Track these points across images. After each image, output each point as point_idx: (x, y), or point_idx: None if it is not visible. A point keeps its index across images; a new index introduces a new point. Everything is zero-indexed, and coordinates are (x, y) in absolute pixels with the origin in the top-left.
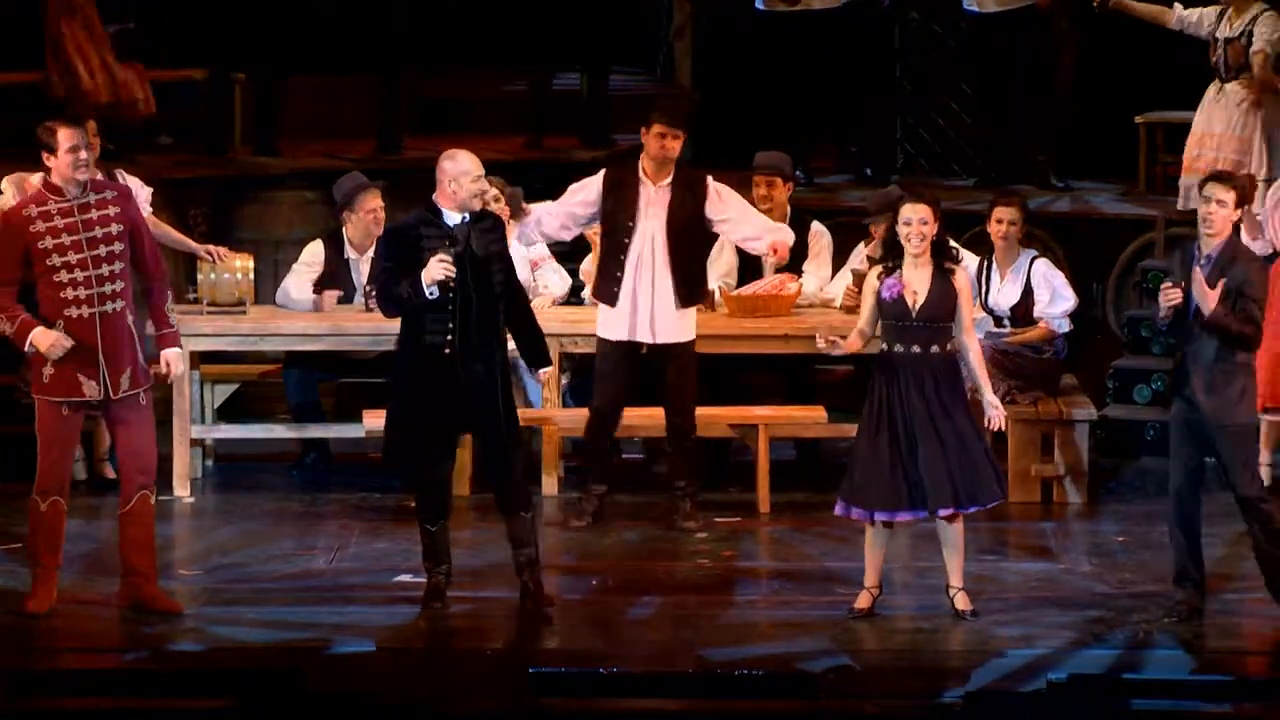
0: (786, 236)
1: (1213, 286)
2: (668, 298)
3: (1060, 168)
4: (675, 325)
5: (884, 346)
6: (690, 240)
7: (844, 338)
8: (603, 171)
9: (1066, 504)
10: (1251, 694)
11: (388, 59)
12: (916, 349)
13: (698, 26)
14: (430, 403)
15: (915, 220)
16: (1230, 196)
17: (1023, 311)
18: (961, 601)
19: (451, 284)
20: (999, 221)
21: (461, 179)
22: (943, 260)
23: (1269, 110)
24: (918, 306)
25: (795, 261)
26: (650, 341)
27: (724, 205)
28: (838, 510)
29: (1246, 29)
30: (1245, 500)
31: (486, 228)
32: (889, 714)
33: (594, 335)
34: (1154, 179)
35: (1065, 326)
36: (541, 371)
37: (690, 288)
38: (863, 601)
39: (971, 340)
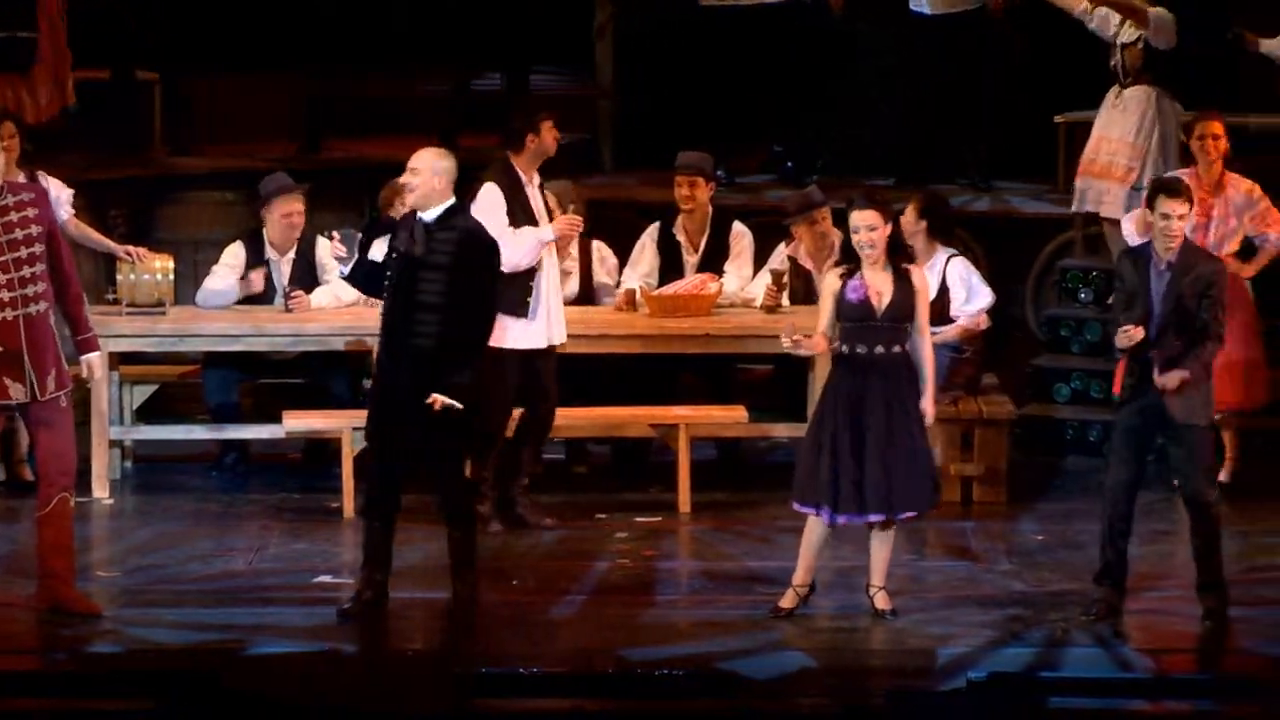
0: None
1: (1177, 290)
2: (559, 300)
3: (981, 167)
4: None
5: (843, 348)
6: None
7: (809, 336)
8: (492, 185)
9: (986, 503)
10: (1169, 692)
11: (308, 59)
12: (879, 349)
13: (619, 26)
14: (373, 398)
15: (863, 228)
16: (1185, 208)
17: (939, 309)
18: (881, 601)
19: (389, 280)
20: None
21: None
22: (899, 260)
23: (1165, 117)
24: (883, 307)
25: (716, 261)
26: (562, 341)
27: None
28: (794, 504)
29: (1143, 33)
30: (1198, 501)
31: (444, 236)
32: (809, 713)
33: None
34: (1073, 179)
35: (982, 324)
36: (434, 396)
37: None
38: (788, 600)
39: (924, 340)
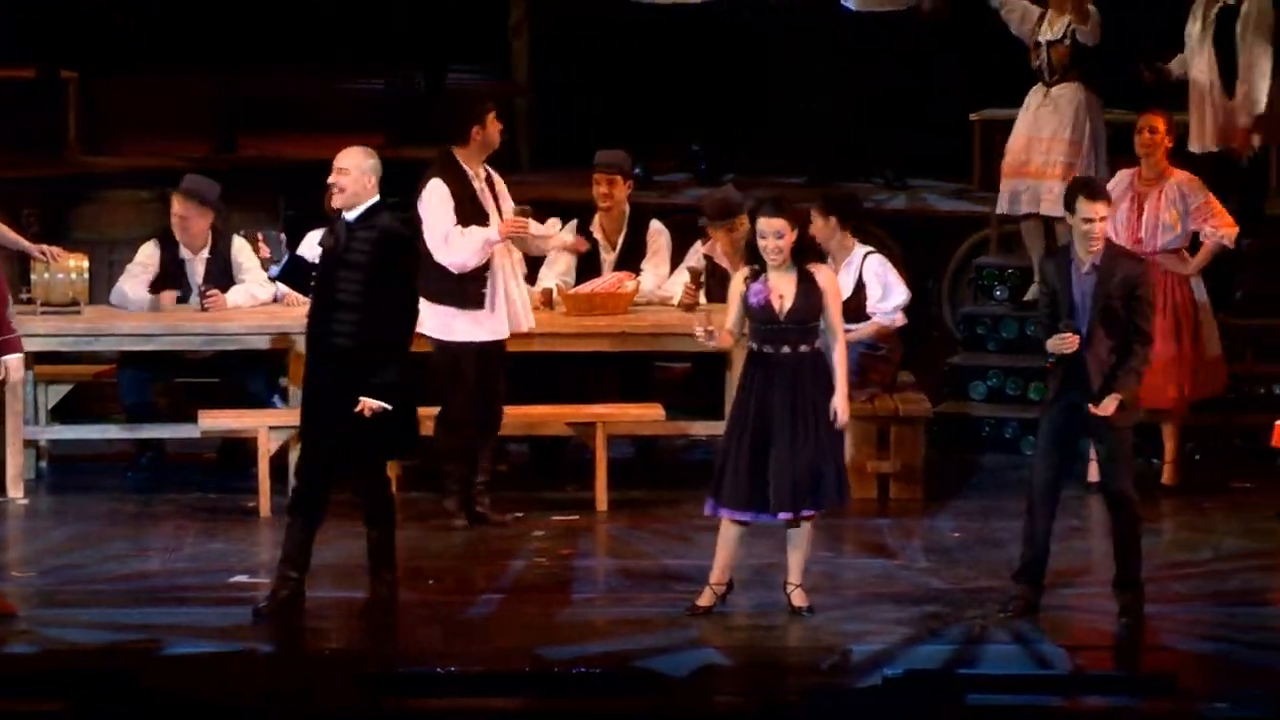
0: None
1: (1103, 290)
2: (521, 284)
3: (895, 165)
4: (529, 311)
5: (754, 346)
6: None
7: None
8: (439, 181)
9: (903, 500)
10: (1086, 688)
11: (223, 58)
12: (786, 349)
13: (535, 24)
14: (304, 396)
15: (770, 234)
16: (1104, 209)
17: (855, 307)
18: (798, 598)
19: (313, 279)
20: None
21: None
22: (805, 263)
23: (1094, 113)
24: (785, 311)
25: (634, 260)
26: (521, 329)
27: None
28: (705, 509)
29: (1069, 30)
30: (1121, 496)
31: (364, 236)
32: (726, 711)
33: (429, 336)
34: (989, 177)
35: (898, 321)
36: (361, 400)
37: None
38: (705, 599)
39: (837, 340)
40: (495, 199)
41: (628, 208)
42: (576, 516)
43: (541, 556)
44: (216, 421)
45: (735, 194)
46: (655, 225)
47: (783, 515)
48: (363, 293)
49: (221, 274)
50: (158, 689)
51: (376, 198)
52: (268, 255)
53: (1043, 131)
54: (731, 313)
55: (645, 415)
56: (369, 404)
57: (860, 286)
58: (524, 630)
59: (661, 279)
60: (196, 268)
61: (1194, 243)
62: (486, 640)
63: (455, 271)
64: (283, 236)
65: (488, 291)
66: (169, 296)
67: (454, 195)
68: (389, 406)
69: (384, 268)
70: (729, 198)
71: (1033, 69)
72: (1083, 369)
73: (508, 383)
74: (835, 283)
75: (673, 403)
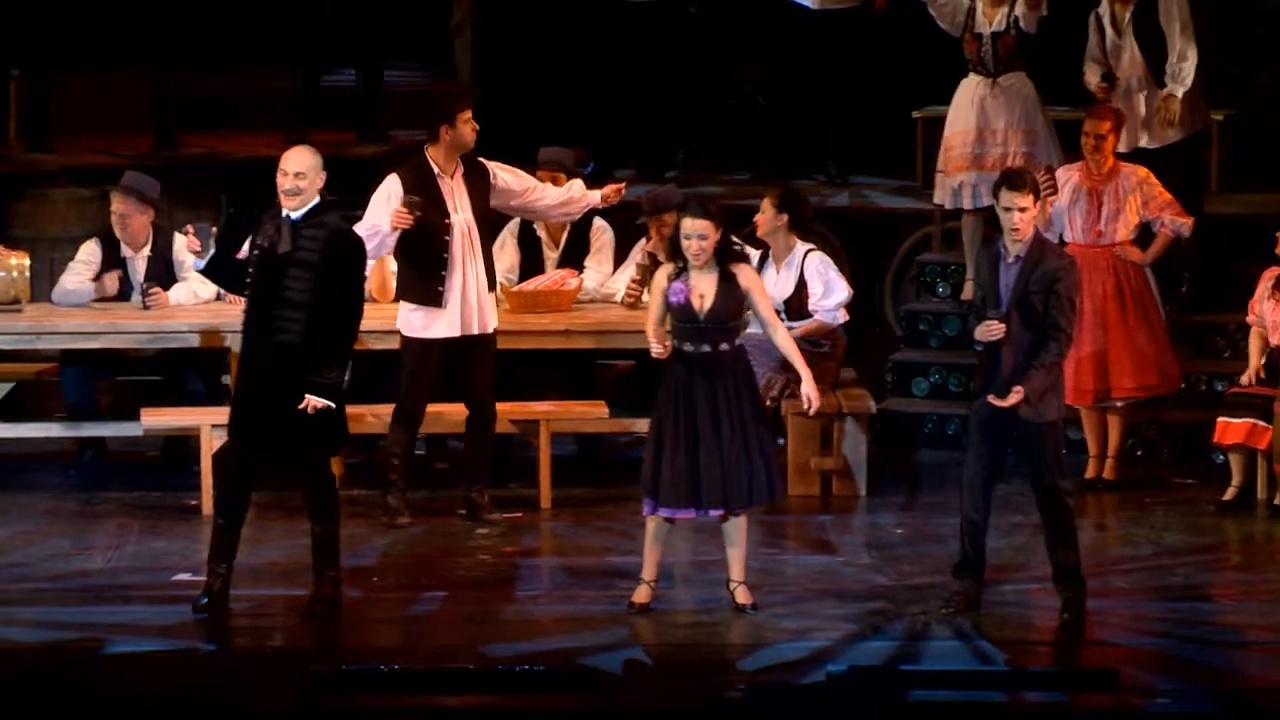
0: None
1: (1025, 283)
2: (485, 285)
3: (839, 162)
4: (493, 310)
5: (676, 343)
6: (490, 222)
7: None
8: (393, 177)
9: (845, 497)
10: (1028, 684)
11: (161, 55)
12: (706, 348)
13: (478, 21)
14: (236, 395)
15: (694, 236)
16: (1029, 200)
17: (797, 304)
18: (742, 596)
19: (250, 275)
20: (758, 212)
21: (278, 172)
22: (726, 263)
23: (1040, 103)
24: (705, 310)
25: (577, 257)
26: (480, 332)
27: (516, 178)
28: (645, 510)
29: (1010, 19)
30: (1050, 491)
31: (311, 234)
32: (670, 708)
33: (374, 331)
34: (931, 174)
35: (839, 319)
36: (306, 397)
37: (492, 268)
38: (641, 596)
39: (778, 331)
40: (472, 196)
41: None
42: (520, 514)
43: (485, 554)
44: (159, 419)
45: (675, 190)
46: (598, 223)
47: (714, 511)
48: (312, 291)
49: (163, 272)
50: (99, 688)
51: (319, 197)
52: (197, 248)
53: (995, 123)
54: (653, 309)
55: (589, 413)
56: (314, 402)
57: (802, 284)
58: (468, 627)
59: (605, 277)
60: (138, 265)
61: (1145, 234)
62: (431, 637)
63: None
64: (213, 229)
65: (444, 289)
66: (111, 278)
67: (412, 191)
68: (333, 405)
69: (333, 267)
70: (668, 192)
71: (969, 61)
72: (1001, 363)
73: (450, 381)
74: (758, 279)
75: (616, 400)
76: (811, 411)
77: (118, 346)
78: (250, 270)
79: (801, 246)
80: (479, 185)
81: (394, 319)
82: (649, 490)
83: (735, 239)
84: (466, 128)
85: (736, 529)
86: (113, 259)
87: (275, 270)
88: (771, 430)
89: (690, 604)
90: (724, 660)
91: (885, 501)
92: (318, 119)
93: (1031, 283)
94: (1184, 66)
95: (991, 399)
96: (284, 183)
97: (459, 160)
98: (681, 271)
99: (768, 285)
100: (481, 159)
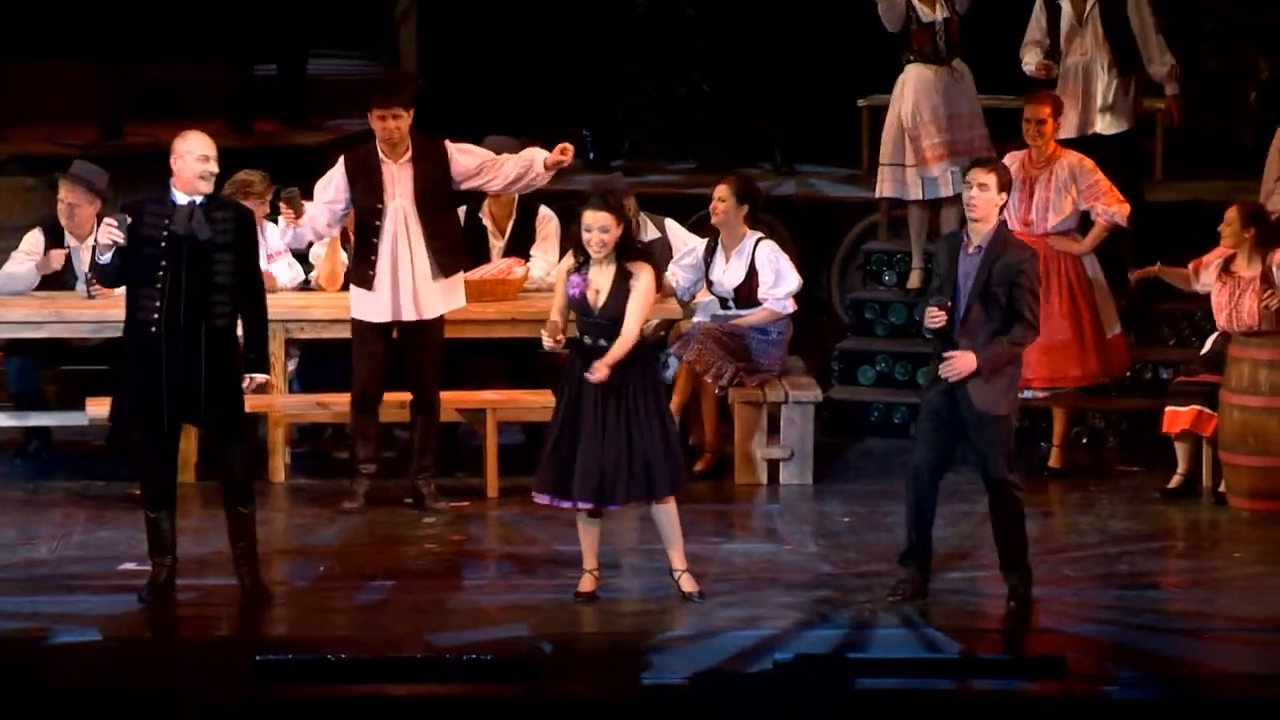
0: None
1: (987, 274)
2: (426, 272)
3: (785, 151)
4: (439, 298)
5: (577, 334)
6: (440, 209)
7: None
8: (341, 160)
9: (792, 485)
10: (975, 671)
11: (108, 45)
12: (602, 342)
13: (423, 9)
14: (142, 385)
15: (595, 229)
16: (992, 180)
17: (747, 293)
18: (687, 584)
19: (163, 264)
20: (715, 200)
21: (185, 157)
22: (627, 260)
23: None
24: (599, 305)
25: (523, 246)
26: (415, 318)
27: (470, 157)
28: (535, 496)
29: (950, 6)
30: (1000, 483)
31: (222, 216)
32: (616, 697)
33: (320, 320)
34: (876, 162)
35: (789, 308)
36: (248, 376)
37: (448, 256)
38: (585, 584)
39: (624, 331)
40: (417, 181)
41: (516, 194)
42: (467, 503)
43: (432, 543)
44: (104, 409)
45: (619, 179)
46: (544, 211)
47: (583, 504)
48: (234, 272)
49: None
50: (45, 678)
51: None
52: (120, 239)
53: (960, 108)
54: (556, 300)
55: (535, 401)
56: (257, 378)
57: (752, 272)
58: (415, 616)
59: (550, 265)
60: (83, 255)
61: (1085, 223)
62: (378, 627)
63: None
64: (128, 219)
65: (374, 273)
66: (58, 255)
67: (350, 174)
68: (269, 377)
69: (245, 246)
70: (612, 180)
71: (918, 53)
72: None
73: (395, 369)
74: (649, 285)
75: None
76: (597, 380)
77: (62, 335)
78: (147, 258)
79: (752, 235)
80: (429, 171)
81: (339, 308)
82: (546, 483)
83: (641, 240)
84: (375, 123)
85: (666, 518)
86: (57, 248)
87: (197, 256)
88: (673, 424)
89: (636, 593)
90: (670, 649)
91: (832, 490)
92: (257, 108)
93: (994, 274)
94: (1162, 71)
95: (944, 370)
96: (204, 167)
97: (409, 146)
98: (583, 265)
99: (716, 273)
100: (448, 143)
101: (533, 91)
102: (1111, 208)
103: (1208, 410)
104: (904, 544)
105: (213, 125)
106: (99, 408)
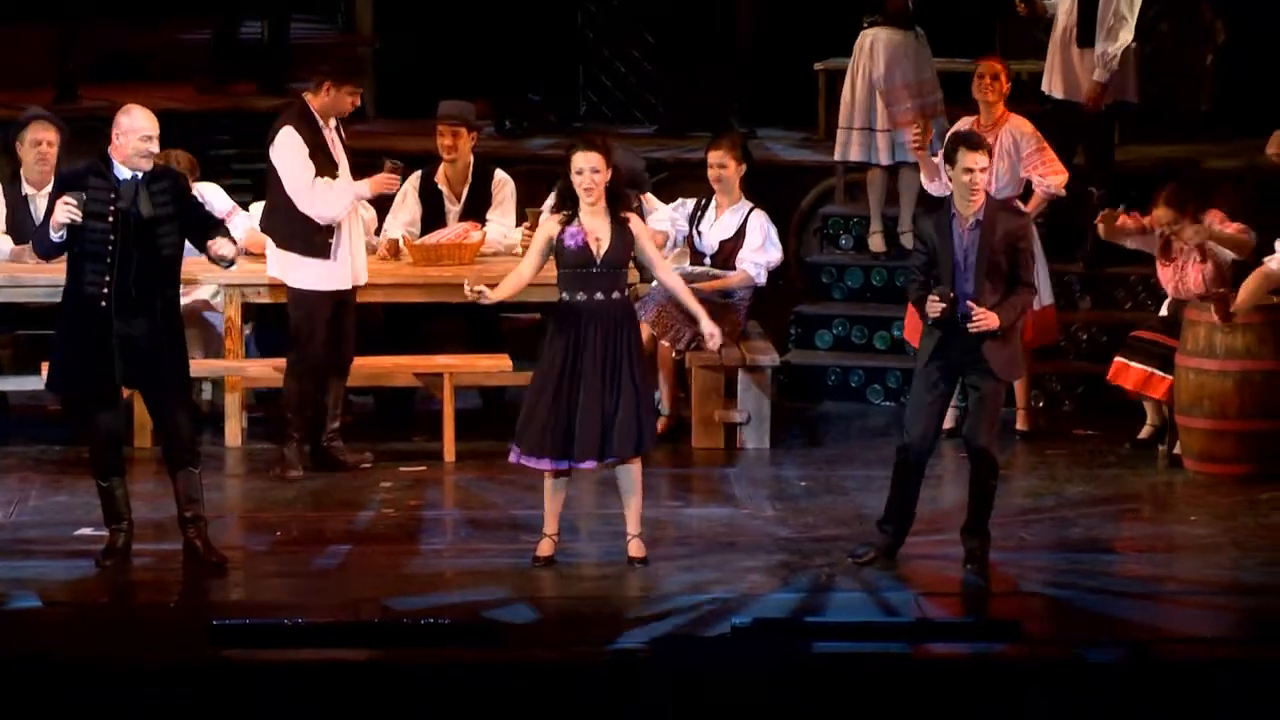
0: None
1: (987, 245)
2: (361, 241)
3: (741, 114)
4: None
5: (564, 296)
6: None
7: (492, 286)
8: (289, 130)
9: (749, 449)
10: (932, 635)
11: (63, 7)
12: (599, 296)
13: None
14: (89, 355)
15: (587, 169)
16: (986, 160)
17: (725, 254)
18: (635, 549)
19: (111, 239)
20: (710, 166)
21: (129, 135)
22: (617, 207)
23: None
24: (602, 253)
25: (479, 210)
26: (359, 284)
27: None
28: (510, 457)
29: None
30: (984, 452)
31: (161, 189)
32: (576, 661)
33: (277, 285)
34: (834, 126)
35: (763, 278)
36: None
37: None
38: (544, 549)
39: (669, 276)
40: (346, 150)
41: (472, 159)
42: (424, 467)
43: (389, 507)
44: None
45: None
46: (500, 175)
47: (587, 464)
48: (178, 242)
49: None
50: (1, 643)
51: None
52: (77, 216)
53: (926, 72)
54: (531, 257)
55: (492, 366)
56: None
57: (741, 233)
58: (372, 581)
59: (507, 229)
60: (38, 203)
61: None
62: (335, 592)
63: (320, 222)
64: (84, 196)
65: (334, 242)
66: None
67: (306, 143)
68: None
69: (184, 209)
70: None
71: (888, 15)
72: (960, 336)
73: (356, 333)
74: (644, 226)
75: (519, 352)
76: (715, 347)
77: (17, 300)
78: (94, 233)
79: (748, 203)
80: (342, 136)
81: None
82: (518, 438)
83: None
84: (345, 99)
85: (630, 479)
86: (14, 198)
87: (143, 232)
88: (651, 383)
89: (595, 557)
90: (628, 613)
91: (789, 454)
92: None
93: (996, 244)
94: (1123, 35)
95: (973, 325)
96: (146, 146)
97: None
98: (572, 218)
99: (705, 225)
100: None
101: (489, 56)
102: (1047, 178)
103: (1159, 373)
104: (884, 510)
105: (174, 89)
106: None
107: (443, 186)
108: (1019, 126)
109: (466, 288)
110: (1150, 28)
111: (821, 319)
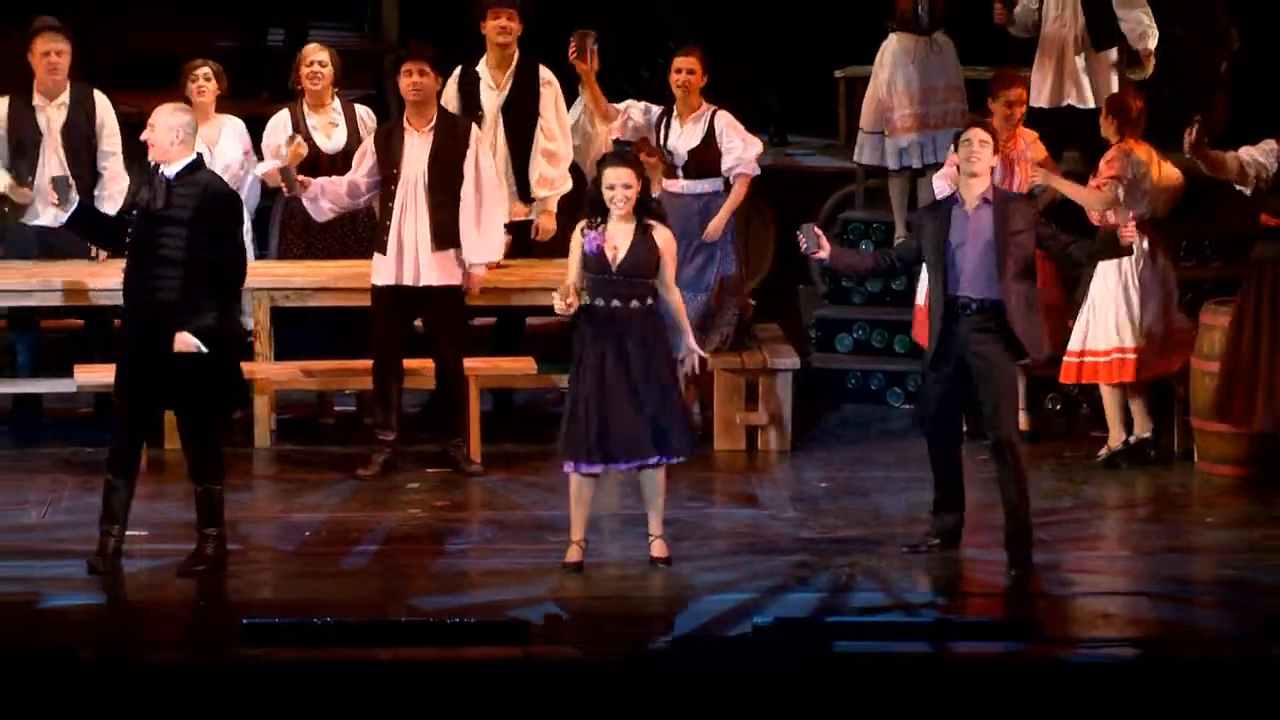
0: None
1: (1003, 230)
2: (426, 241)
3: (779, 121)
4: (435, 268)
5: (587, 300)
6: (446, 183)
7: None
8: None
9: (770, 451)
10: (952, 635)
11: (91, 11)
12: (616, 303)
13: None
14: (119, 356)
15: (619, 185)
16: (991, 140)
17: (701, 158)
18: (658, 549)
19: (129, 233)
20: (677, 71)
21: (158, 129)
22: (644, 217)
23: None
24: (618, 261)
25: (519, 106)
26: (422, 284)
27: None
28: (565, 468)
29: None
30: (1006, 443)
31: (185, 192)
32: (599, 661)
33: (303, 289)
34: (854, 132)
35: (755, 169)
36: (180, 337)
37: (444, 230)
38: (573, 555)
39: (672, 295)
40: (435, 151)
41: (518, 50)
42: (450, 469)
43: (416, 508)
44: (92, 376)
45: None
46: (545, 73)
47: (631, 465)
48: (186, 248)
49: (83, 125)
50: (37, 641)
51: (194, 155)
52: (55, 202)
53: (936, 81)
54: (571, 266)
55: (517, 368)
56: (184, 339)
57: (710, 140)
58: (399, 581)
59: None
60: (50, 114)
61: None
62: (363, 591)
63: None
64: (71, 182)
65: (387, 238)
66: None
67: (377, 137)
68: (204, 349)
69: (207, 223)
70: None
71: (900, 21)
72: (962, 325)
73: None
74: (673, 244)
75: (543, 355)
76: (690, 367)
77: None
78: (130, 228)
79: (709, 106)
80: (448, 143)
81: (322, 276)
82: (562, 448)
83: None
84: (403, 80)
85: (654, 484)
86: (24, 110)
87: (151, 228)
88: (681, 393)
89: (618, 557)
90: (651, 613)
91: (810, 456)
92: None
93: (1012, 222)
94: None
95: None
96: (178, 137)
97: (433, 115)
98: (598, 224)
99: (671, 139)
100: (474, 124)
101: None
102: (1033, 181)
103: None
104: (934, 495)
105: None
106: (86, 375)
107: (485, 74)
108: (1025, 135)
109: (558, 302)
110: (1164, 32)
111: (842, 323)
